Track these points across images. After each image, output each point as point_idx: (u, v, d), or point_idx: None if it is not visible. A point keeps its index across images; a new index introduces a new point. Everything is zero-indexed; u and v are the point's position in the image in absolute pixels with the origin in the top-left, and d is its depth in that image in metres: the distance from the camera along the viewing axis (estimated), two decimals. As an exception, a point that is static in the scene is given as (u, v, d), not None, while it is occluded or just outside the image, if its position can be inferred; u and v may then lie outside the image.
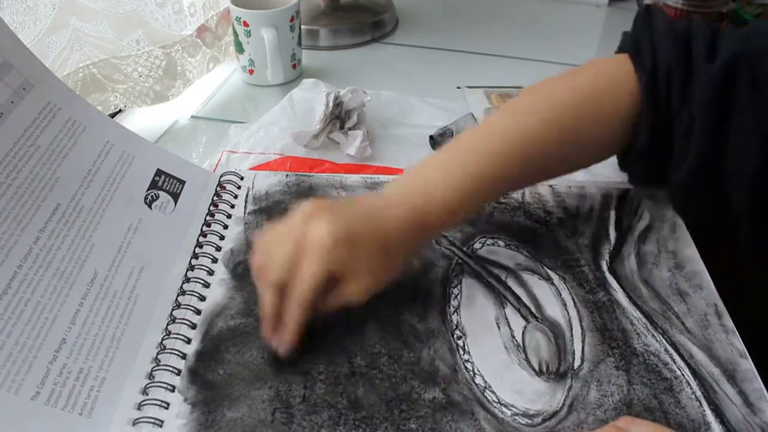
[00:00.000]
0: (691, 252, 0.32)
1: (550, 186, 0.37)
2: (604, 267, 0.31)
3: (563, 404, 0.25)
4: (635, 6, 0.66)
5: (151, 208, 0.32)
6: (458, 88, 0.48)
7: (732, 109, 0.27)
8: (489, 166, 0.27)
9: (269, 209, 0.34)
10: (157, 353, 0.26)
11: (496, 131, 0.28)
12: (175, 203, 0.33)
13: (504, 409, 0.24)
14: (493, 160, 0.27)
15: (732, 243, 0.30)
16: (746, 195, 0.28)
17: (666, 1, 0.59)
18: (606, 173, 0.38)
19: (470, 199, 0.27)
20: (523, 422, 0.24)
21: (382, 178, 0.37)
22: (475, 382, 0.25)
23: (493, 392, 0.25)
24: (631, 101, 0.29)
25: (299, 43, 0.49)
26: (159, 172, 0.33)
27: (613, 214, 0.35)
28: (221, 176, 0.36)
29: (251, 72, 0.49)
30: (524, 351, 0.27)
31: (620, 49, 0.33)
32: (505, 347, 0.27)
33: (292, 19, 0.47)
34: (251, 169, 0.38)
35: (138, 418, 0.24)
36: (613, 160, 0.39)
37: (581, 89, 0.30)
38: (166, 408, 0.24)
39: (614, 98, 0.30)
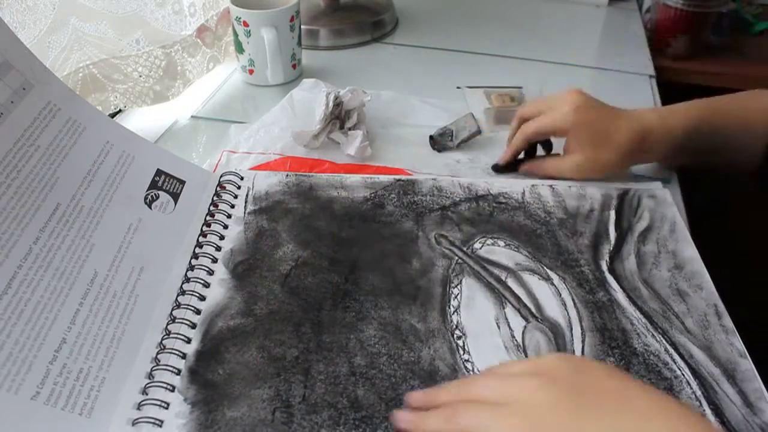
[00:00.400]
0: (691, 252, 0.32)
1: (550, 186, 0.37)
2: (604, 267, 0.31)
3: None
4: (635, 6, 0.66)
5: (151, 208, 0.32)
6: (458, 88, 0.48)
7: None
8: (706, 127, 0.36)
9: (269, 209, 0.34)
10: (157, 353, 0.26)
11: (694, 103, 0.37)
12: (175, 203, 0.33)
13: (504, 409, 0.24)
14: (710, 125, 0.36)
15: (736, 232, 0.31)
16: None
17: (666, 1, 0.60)
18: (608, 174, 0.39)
19: (690, 146, 0.35)
20: (523, 422, 0.24)
21: (383, 178, 0.37)
22: (475, 382, 0.25)
23: (493, 392, 0.25)
24: None
25: (299, 43, 0.49)
26: (159, 172, 0.33)
27: (613, 214, 0.35)
28: (221, 176, 0.36)
29: (251, 72, 0.49)
30: (524, 351, 0.27)
31: None
32: (505, 347, 0.27)
33: (292, 19, 0.47)
34: (251, 169, 0.38)
35: (138, 418, 0.24)
36: None
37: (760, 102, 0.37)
38: (166, 408, 0.24)
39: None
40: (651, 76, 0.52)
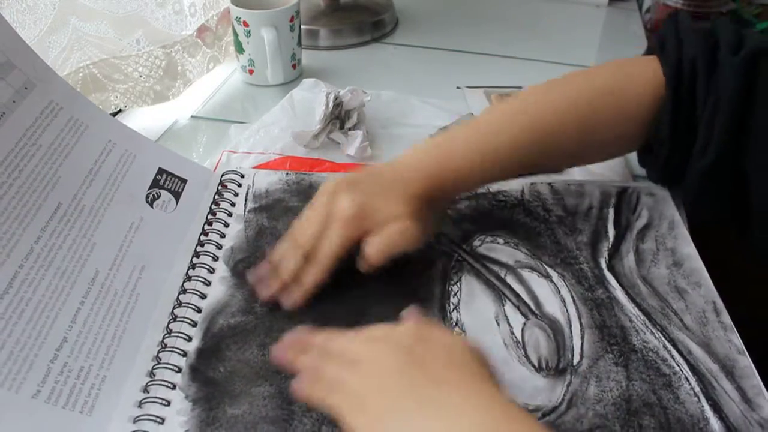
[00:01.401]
0: (689, 250, 0.32)
1: (549, 184, 0.37)
2: (603, 264, 0.31)
3: (563, 399, 0.25)
4: (635, 6, 0.66)
5: (152, 207, 0.32)
6: (458, 88, 0.48)
7: (755, 98, 0.28)
8: (506, 149, 0.30)
9: (269, 207, 0.35)
10: (158, 351, 0.26)
11: (516, 118, 0.31)
12: (177, 202, 0.33)
13: (504, 406, 0.25)
14: (510, 145, 0.30)
15: (743, 243, 0.31)
16: None
17: (666, 1, 0.60)
18: (606, 173, 0.39)
19: (482, 174, 0.31)
20: (523, 418, 0.24)
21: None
22: (475, 379, 0.25)
23: (492, 389, 0.25)
24: (652, 96, 0.31)
25: (299, 43, 0.49)
26: (160, 171, 0.33)
27: (611, 211, 0.35)
28: (222, 175, 0.36)
29: (251, 72, 0.49)
30: (524, 347, 0.27)
31: (646, 53, 0.34)
32: (505, 344, 0.27)
33: (292, 19, 0.47)
34: (252, 168, 0.39)
35: (139, 416, 0.24)
36: (615, 162, 0.40)
37: (599, 85, 0.31)
38: (167, 405, 0.24)
39: (636, 93, 0.31)
40: None
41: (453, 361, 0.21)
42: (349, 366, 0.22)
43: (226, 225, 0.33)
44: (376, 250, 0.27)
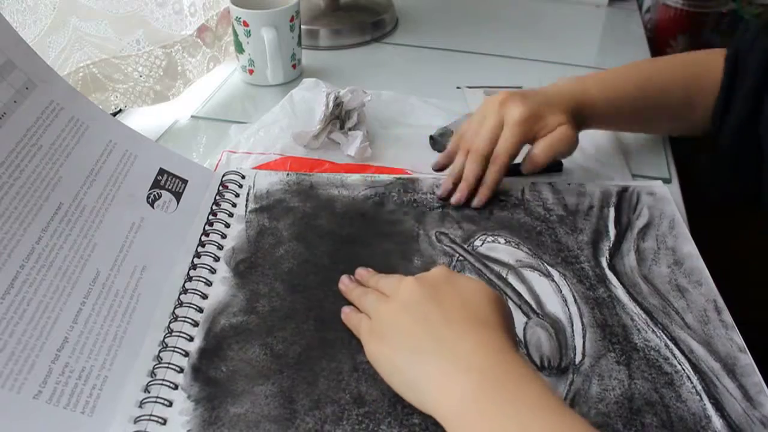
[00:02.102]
0: (690, 248, 0.32)
1: (550, 183, 0.37)
2: (604, 263, 0.31)
3: (565, 398, 0.25)
4: (635, 6, 0.67)
5: (153, 207, 0.32)
6: (458, 88, 0.48)
7: None
8: (628, 94, 0.37)
9: (270, 207, 0.35)
10: (159, 351, 0.26)
11: (633, 73, 0.38)
12: (178, 202, 0.33)
13: (506, 405, 0.25)
14: (631, 91, 0.37)
15: (736, 231, 0.32)
16: None
17: (666, 1, 0.60)
18: (606, 173, 0.39)
19: (607, 110, 0.37)
20: (526, 417, 0.24)
21: (383, 177, 0.37)
22: (477, 378, 0.25)
23: (495, 388, 0.25)
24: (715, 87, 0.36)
25: (299, 43, 0.49)
26: (161, 171, 0.33)
27: (612, 211, 0.35)
28: (223, 175, 0.36)
29: (251, 72, 0.49)
30: (526, 347, 0.27)
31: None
32: (507, 343, 0.27)
33: (292, 19, 0.47)
34: (252, 168, 0.39)
35: (140, 416, 0.24)
36: (615, 162, 0.40)
37: (694, 63, 0.37)
38: (170, 405, 0.24)
39: (712, 78, 0.36)
40: None
41: (470, 305, 0.23)
42: (382, 298, 0.25)
43: (227, 225, 0.33)
44: (542, 150, 0.34)
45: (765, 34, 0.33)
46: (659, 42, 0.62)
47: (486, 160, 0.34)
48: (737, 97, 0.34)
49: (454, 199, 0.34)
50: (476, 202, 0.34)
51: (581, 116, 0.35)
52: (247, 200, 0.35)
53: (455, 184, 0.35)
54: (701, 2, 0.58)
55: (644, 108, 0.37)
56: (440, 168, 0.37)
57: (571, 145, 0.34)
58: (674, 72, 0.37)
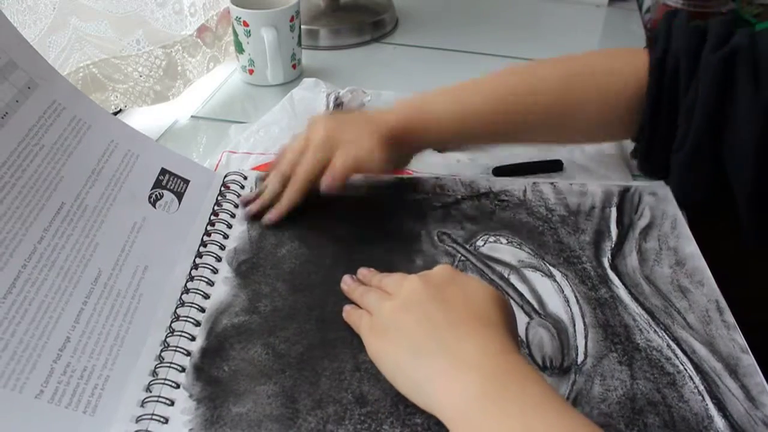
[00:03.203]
0: (692, 249, 0.32)
1: (552, 183, 0.37)
2: (606, 264, 0.31)
3: (567, 398, 0.25)
4: (635, 6, 0.67)
5: (155, 207, 0.32)
6: (458, 87, 0.48)
7: (733, 90, 0.29)
8: (477, 108, 0.33)
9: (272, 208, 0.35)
10: (161, 351, 0.26)
11: (491, 84, 0.34)
12: (179, 202, 0.33)
13: (509, 405, 0.25)
14: (482, 105, 0.33)
15: (734, 232, 0.31)
16: (746, 175, 0.29)
17: (666, 1, 0.60)
18: (606, 172, 0.39)
19: (454, 125, 0.33)
20: (528, 417, 0.24)
21: (385, 177, 0.37)
22: (479, 378, 0.25)
23: (497, 388, 0.25)
24: (636, 86, 0.32)
25: (299, 43, 0.49)
26: (163, 171, 0.33)
27: (614, 211, 0.35)
28: (225, 176, 0.36)
29: (251, 72, 0.49)
30: (528, 347, 0.27)
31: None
32: (509, 343, 0.27)
33: (292, 19, 0.47)
34: (252, 169, 0.38)
35: (141, 415, 0.24)
36: (615, 162, 0.40)
37: (579, 65, 0.33)
38: (171, 405, 0.24)
39: (620, 80, 0.32)
40: None
41: (473, 305, 0.23)
42: (384, 295, 0.25)
43: (229, 226, 0.33)
44: (339, 163, 0.31)
45: (716, 52, 0.29)
46: None
47: (286, 181, 0.32)
48: (681, 122, 0.30)
49: (243, 210, 0.33)
50: (264, 218, 0.32)
51: (418, 131, 0.32)
52: None
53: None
54: (701, 2, 0.58)
55: (504, 121, 0.33)
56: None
57: (374, 162, 0.31)
58: (550, 76, 0.33)
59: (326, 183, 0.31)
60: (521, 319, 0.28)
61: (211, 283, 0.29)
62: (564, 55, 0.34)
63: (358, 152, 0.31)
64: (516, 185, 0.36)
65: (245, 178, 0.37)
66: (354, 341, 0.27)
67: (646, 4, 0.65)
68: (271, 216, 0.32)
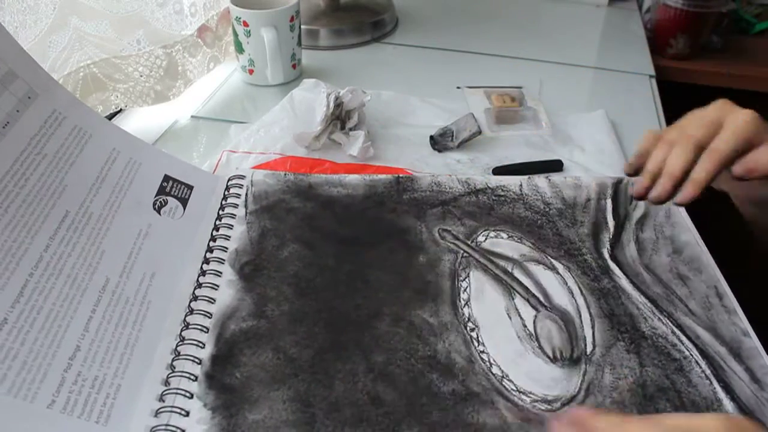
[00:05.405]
0: (687, 236, 0.33)
1: (546, 177, 0.37)
2: (606, 255, 0.32)
3: (580, 388, 0.25)
4: (635, 6, 0.67)
5: (160, 214, 0.31)
6: (458, 88, 0.48)
7: None
8: None
9: (270, 208, 0.34)
10: (172, 359, 0.26)
11: None
12: (184, 208, 0.33)
13: (523, 397, 0.25)
14: None
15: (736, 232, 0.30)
16: None
17: (666, 1, 0.61)
18: (605, 173, 0.39)
19: None
20: (543, 408, 0.25)
21: (382, 177, 0.37)
22: (492, 372, 0.26)
23: (510, 381, 0.26)
24: None
25: (299, 43, 0.49)
26: (166, 178, 0.33)
27: (609, 202, 0.35)
28: (228, 180, 0.36)
29: (251, 72, 0.49)
30: (537, 339, 0.27)
31: None
32: (518, 336, 0.28)
33: (292, 19, 0.47)
34: (251, 168, 0.38)
35: (156, 426, 0.23)
36: (615, 161, 0.39)
37: None
38: (186, 415, 0.24)
39: None
40: (651, 76, 0.52)
41: None
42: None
43: (231, 227, 0.33)
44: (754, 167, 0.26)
45: None
46: (659, 42, 0.63)
47: (699, 151, 0.26)
48: None
49: (653, 194, 0.27)
50: (680, 197, 0.27)
51: None
52: (246, 201, 0.34)
53: (653, 181, 0.28)
54: (701, 2, 0.59)
55: None
56: (634, 171, 0.29)
57: None
58: None
59: (739, 171, 0.26)
60: (528, 312, 0.29)
61: (215, 287, 0.29)
62: None
63: None
64: (512, 181, 0.37)
65: (243, 177, 0.36)
66: (364, 342, 0.27)
67: (646, 4, 0.66)
68: (687, 194, 0.26)
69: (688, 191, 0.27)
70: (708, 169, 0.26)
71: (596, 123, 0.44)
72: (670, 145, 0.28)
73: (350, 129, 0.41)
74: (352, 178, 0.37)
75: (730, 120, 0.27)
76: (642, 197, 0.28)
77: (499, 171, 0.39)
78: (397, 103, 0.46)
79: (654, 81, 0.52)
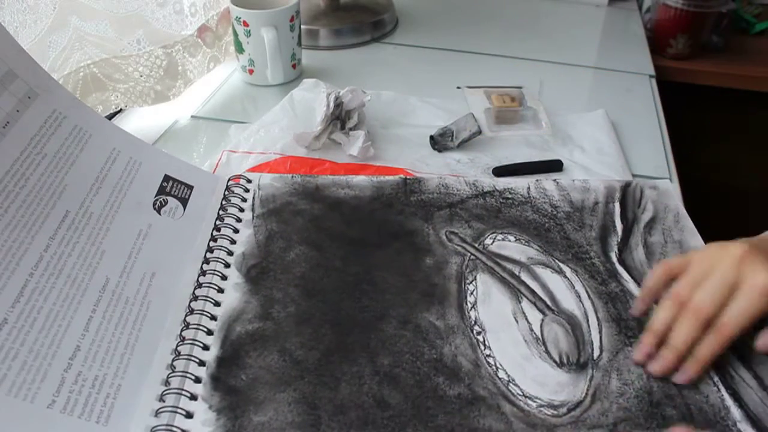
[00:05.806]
0: (696, 242, 0.33)
1: (554, 180, 0.37)
2: (614, 258, 0.32)
3: (586, 394, 0.25)
4: (635, 6, 0.67)
5: (160, 214, 0.31)
6: (458, 88, 0.48)
7: None
8: None
9: (278, 211, 0.34)
10: (173, 360, 0.25)
11: None
12: (184, 208, 0.32)
13: (529, 402, 0.25)
14: None
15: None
16: None
17: (666, 1, 0.61)
18: (606, 173, 0.39)
19: None
20: (549, 413, 0.24)
21: (389, 178, 0.37)
22: (498, 377, 0.26)
23: (516, 385, 0.25)
24: None
25: (299, 43, 0.49)
26: (167, 178, 0.33)
27: (617, 206, 0.35)
28: (229, 180, 0.36)
29: (251, 72, 0.48)
30: (543, 343, 0.27)
31: None
32: (525, 340, 0.27)
33: (292, 19, 0.46)
34: (252, 169, 0.38)
35: (156, 426, 0.23)
36: (615, 161, 0.40)
37: None
38: (190, 417, 0.24)
39: None
40: (651, 76, 0.52)
41: None
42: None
43: (236, 231, 0.32)
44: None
45: None
46: (659, 42, 0.63)
47: (707, 326, 0.25)
48: None
49: (655, 367, 0.25)
50: (680, 376, 0.25)
51: None
52: (253, 204, 0.34)
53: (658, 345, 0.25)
54: (701, 2, 0.59)
55: None
56: (641, 314, 0.28)
57: None
58: None
59: (762, 347, 0.24)
60: (535, 316, 0.28)
61: (221, 290, 0.29)
62: None
63: None
64: (519, 183, 0.37)
65: (249, 181, 0.36)
66: (370, 344, 0.26)
67: (646, 4, 0.66)
68: (688, 373, 0.25)
69: (690, 370, 0.25)
70: (714, 349, 0.25)
71: (596, 123, 0.44)
72: (679, 306, 0.26)
73: (350, 129, 0.41)
74: (360, 179, 0.37)
75: (746, 289, 0.24)
76: (641, 364, 0.26)
77: (499, 171, 0.39)
78: (397, 103, 0.45)
79: (654, 81, 0.52)
